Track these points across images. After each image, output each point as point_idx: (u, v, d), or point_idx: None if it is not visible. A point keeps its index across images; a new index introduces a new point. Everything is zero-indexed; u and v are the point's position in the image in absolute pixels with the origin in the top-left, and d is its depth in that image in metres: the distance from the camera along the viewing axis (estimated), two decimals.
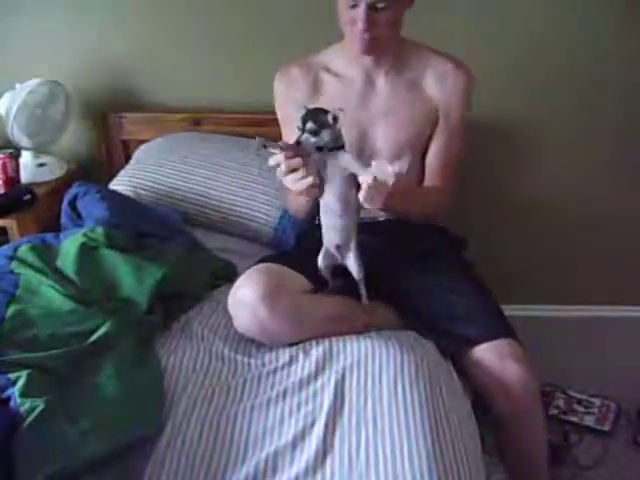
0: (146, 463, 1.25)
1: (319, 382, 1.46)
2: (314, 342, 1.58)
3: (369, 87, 1.77)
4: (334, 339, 1.57)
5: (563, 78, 2.44)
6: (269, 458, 1.28)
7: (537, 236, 2.70)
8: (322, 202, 1.55)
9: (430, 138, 1.80)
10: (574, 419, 2.26)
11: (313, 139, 1.47)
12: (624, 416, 2.29)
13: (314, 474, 1.24)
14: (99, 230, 1.83)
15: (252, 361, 1.55)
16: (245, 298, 1.54)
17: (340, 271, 1.64)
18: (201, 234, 2.14)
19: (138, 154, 2.45)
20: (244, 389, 1.46)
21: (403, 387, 1.41)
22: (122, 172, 2.37)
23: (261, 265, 1.64)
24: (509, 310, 1.79)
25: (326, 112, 1.48)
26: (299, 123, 1.48)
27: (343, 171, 1.49)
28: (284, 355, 1.55)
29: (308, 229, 1.90)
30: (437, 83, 1.77)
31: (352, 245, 1.58)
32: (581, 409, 2.29)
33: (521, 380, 1.55)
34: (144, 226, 1.97)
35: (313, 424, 1.35)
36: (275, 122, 1.89)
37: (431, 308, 1.67)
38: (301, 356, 1.54)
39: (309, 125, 1.46)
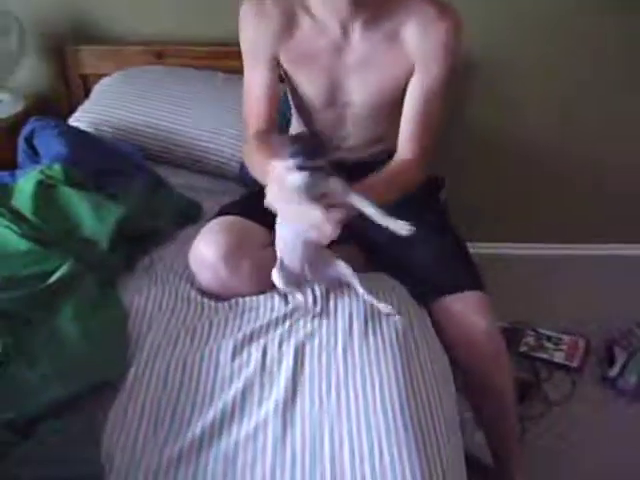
0: (109, 409, 1.22)
1: (287, 323, 1.43)
2: None
3: (344, 39, 1.62)
4: None
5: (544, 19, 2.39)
6: (236, 400, 1.25)
7: (508, 174, 2.68)
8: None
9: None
10: (544, 356, 2.28)
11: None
12: (593, 353, 2.31)
13: (284, 415, 1.22)
14: (57, 167, 1.75)
15: (218, 304, 1.51)
16: (206, 258, 1.50)
17: None
18: (164, 171, 2.08)
19: (98, 89, 2.37)
20: (210, 331, 1.42)
21: (374, 328, 1.39)
22: (81, 108, 2.30)
23: (221, 220, 1.59)
24: (479, 248, 1.79)
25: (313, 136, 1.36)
26: (302, 161, 1.28)
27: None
28: (251, 299, 1.51)
29: None
30: (417, 35, 1.59)
31: (330, 255, 1.47)
32: (551, 346, 2.31)
33: (485, 331, 1.54)
34: (104, 163, 1.89)
35: (281, 364, 1.32)
36: (241, 55, 1.77)
37: (400, 257, 1.63)
38: (269, 299, 1.51)
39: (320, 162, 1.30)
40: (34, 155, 1.95)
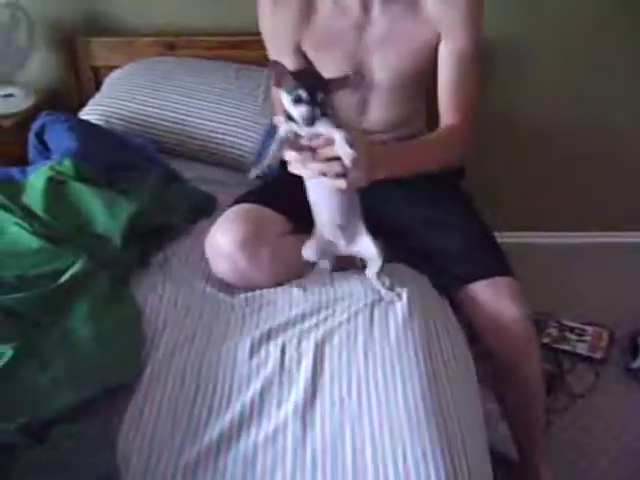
0: (124, 411, 1.19)
1: (306, 320, 1.39)
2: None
3: (365, 16, 1.60)
4: None
5: None
6: (255, 401, 1.22)
7: (533, 162, 2.64)
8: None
9: (434, 63, 1.64)
10: (567, 347, 2.23)
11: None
12: (617, 344, 2.27)
13: (303, 417, 1.19)
14: (67, 163, 1.72)
15: (235, 299, 1.48)
16: (223, 248, 1.48)
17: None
18: (178, 164, 2.05)
19: (109, 81, 2.33)
20: (227, 329, 1.39)
21: (396, 323, 1.36)
22: (92, 101, 2.26)
23: (239, 208, 1.56)
24: (503, 237, 1.75)
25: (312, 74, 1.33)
26: (302, 93, 1.26)
27: None
28: (268, 292, 1.48)
29: None
30: (438, 2, 1.56)
31: (361, 222, 1.44)
32: (574, 337, 2.26)
33: (517, 318, 1.51)
34: (116, 157, 1.86)
35: (300, 364, 1.29)
36: (254, 44, 1.75)
37: (425, 244, 1.60)
38: (287, 291, 1.47)
39: (320, 96, 1.28)
40: (45, 151, 1.92)
